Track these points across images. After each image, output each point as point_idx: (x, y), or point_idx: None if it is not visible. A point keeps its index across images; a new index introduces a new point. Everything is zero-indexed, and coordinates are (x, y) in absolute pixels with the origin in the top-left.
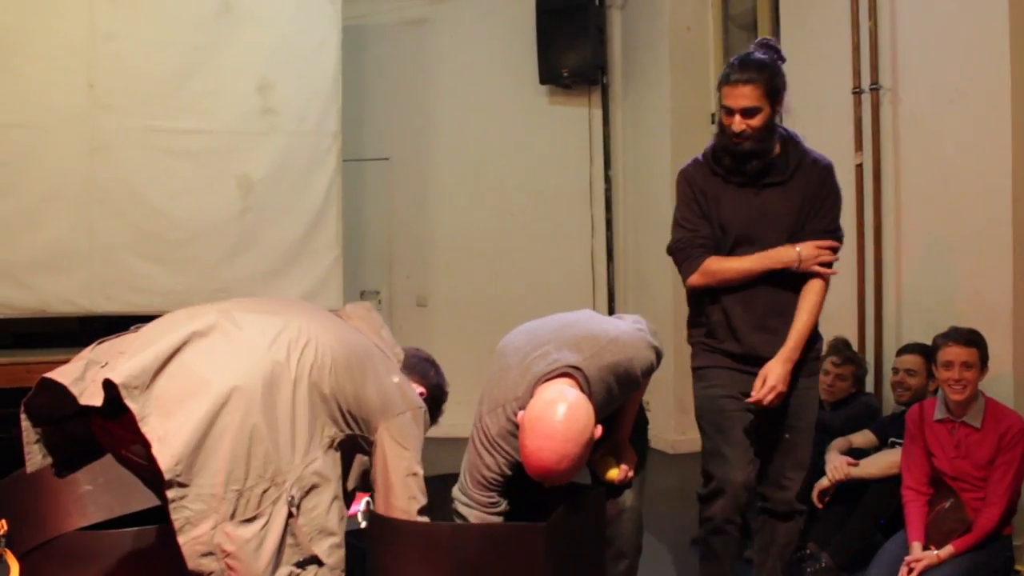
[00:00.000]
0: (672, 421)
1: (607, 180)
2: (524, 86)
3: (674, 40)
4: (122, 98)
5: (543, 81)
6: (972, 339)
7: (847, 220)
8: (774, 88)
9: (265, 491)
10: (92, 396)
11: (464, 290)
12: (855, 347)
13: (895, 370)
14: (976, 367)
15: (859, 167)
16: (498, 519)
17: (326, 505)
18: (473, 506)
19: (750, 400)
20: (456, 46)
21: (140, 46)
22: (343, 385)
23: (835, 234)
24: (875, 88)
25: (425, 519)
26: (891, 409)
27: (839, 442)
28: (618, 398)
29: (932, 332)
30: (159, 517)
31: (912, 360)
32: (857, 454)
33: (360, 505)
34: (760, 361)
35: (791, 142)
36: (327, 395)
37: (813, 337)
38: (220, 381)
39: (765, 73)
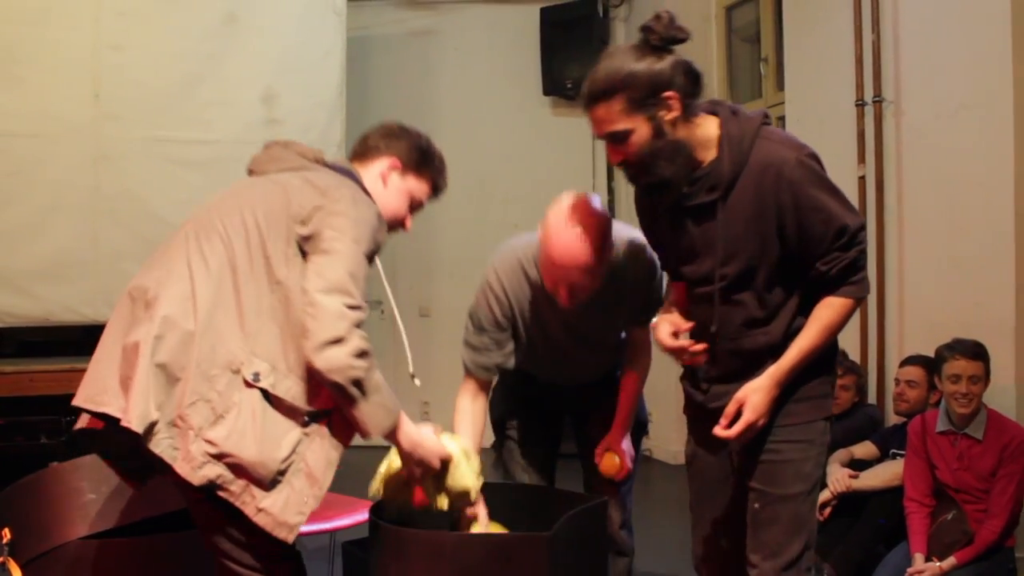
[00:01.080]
0: (674, 432)
1: (610, 191)
2: (528, 97)
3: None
4: (127, 108)
5: (547, 92)
6: (978, 352)
7: None
8: (641, 97)
9: (226, 384)
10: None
11: (467, 301)
12: (857, 359)
13: (897, 381)
14: (982, 380)
15: (862, 179)
16: (485, 376)
17: None
18: (465, 347)
19: (716, 434)
20: (460, 57)
21: (145, 57)
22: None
23: (844, 242)
24: (878, 100)
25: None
26: (892, 421)
27: (840, 453)
28: (626, 283)
29: (935, 344)
30: (163, 526)
31: (914, 372)
32: (858, 465)
33: None
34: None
35: (728, 143)
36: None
37: (817, 368)
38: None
39: (617, 83)
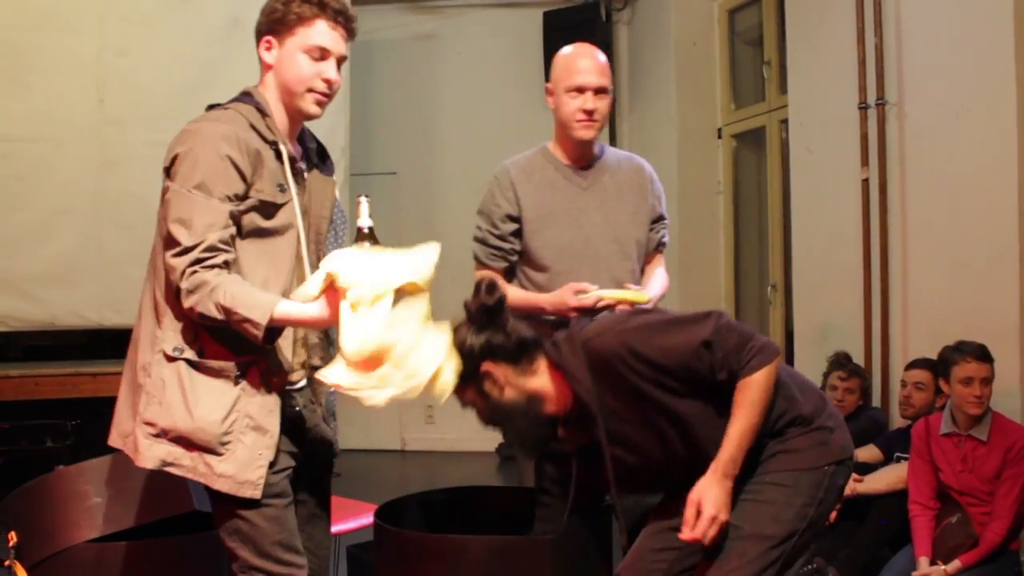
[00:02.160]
0: None
1: None
2: (531, 101)
3: (680, 56)
4: (132, 113)
5: None
6: (987, 353)
7: (853, 235)
8: (466, 374)
9: (156, 367)
10: None
11: None
12: (861, 363)
13: (903, 383)
14: (991, 382)
15: (865, 182)
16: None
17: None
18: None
19: (683, 539)
20: (463, 62)
21: (150, 61)
22: None
23: (711, 353)
24: (881, 103)
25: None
26: (897, 424)
27: None
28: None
29: (939, 347)
30: (168, 530)
31: (921, 374)
32: (863, 469)
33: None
34: None
35: (570, 379)
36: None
37: (803, 423)
38: None
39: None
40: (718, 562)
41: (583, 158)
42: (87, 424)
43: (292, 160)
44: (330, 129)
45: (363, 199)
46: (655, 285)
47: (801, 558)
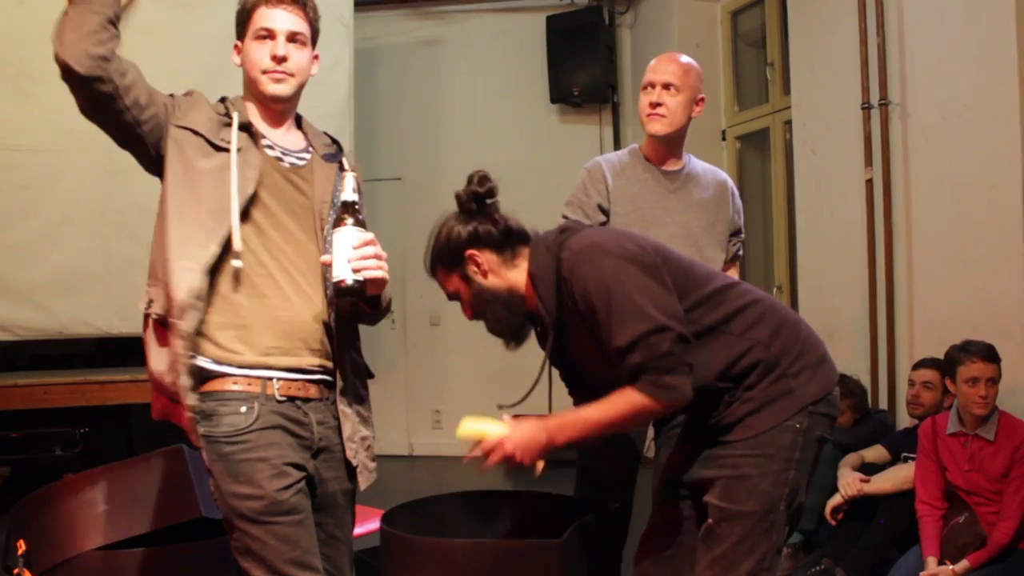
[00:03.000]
0: None
1: None
2: (535, 105)
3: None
4: None
5: (554, 100)
6: (993, 353)
7: (857, 235)
8: (450, 261)
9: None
10: None
11: None
12: (867, 363)
13: (911, 383)
14: (998, 382)
15: (869, 182)
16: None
17: None
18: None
19: (467, 458)
20: (467, 66)
21: (155, 70)
22: None
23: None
24: (884, 103)
25: None
26: (904, 424)
27: (851, 457)
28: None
29: (945, 346)
30: (176, 537)
31: (929, 374)
32: (870, 469)
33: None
34: None
35: (536, 283)
36: None
37: (765, 368)
38: None
39: (434, 255)
40: (707, 545)
41: (666, 158)
42: (96, 432)
43: (246, 127)
44: (334, 134)
45: (348, 174)
46: None
47: (798, 516)
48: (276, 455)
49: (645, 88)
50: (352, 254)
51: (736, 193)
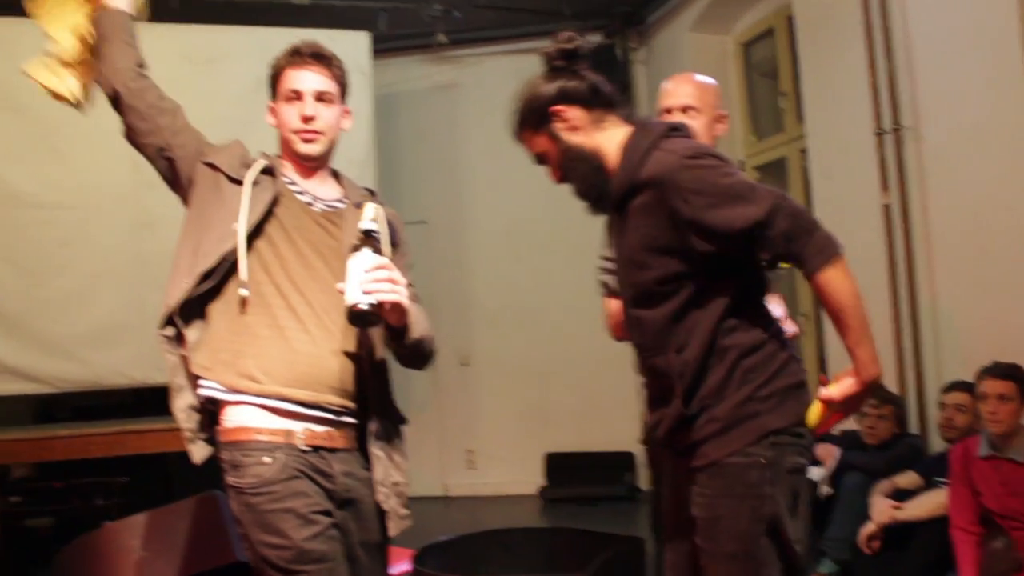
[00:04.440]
0: None
1: None
2: None
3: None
4: None
5: None
6: (1009, 372)
7: (878, 261)
8: (537, 119)
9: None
10: None
11: (506, 348)
12: (895, 389)
13: (942, 405)
14: (1015, 400)
15: (887, 207)
16: None
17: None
18: None
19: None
20: (486, 108)
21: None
22: None
23: (764, 232)
24: (897, 128)
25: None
26: (936, 449)
27: (883, 485)
28: None
29: (973, 369)
30: None
31: (960, 397)
32: (902, 496)
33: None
34: None
35: (624, 155)
36: None
37: (722, 387)
38: None
39: (519, 114)
40: None
41: None
42: (135, 480)
43: (270, 171)
44: (357, 181)
45: (368, 204)
46: None
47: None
48: (302, 504)
49: (662, 114)
50: (364, 278)
51: None
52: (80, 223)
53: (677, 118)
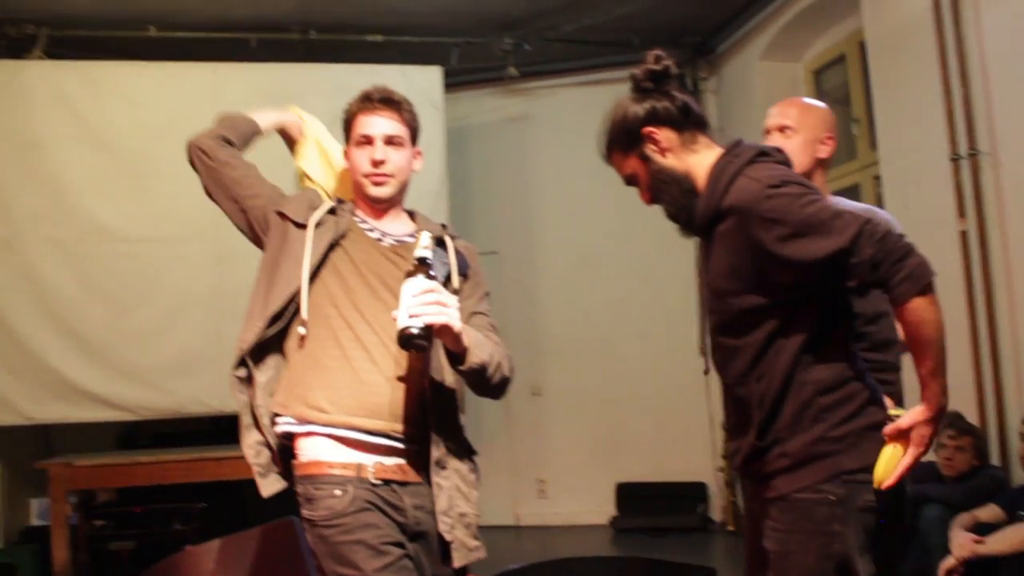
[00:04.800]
0: None
1: None
2: None
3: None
4: None
5: None
6: None
7: (955, 288)
8: (627, 141)
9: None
10: None
11: (577, 378)
12: (975, 420)
13: (1022, 436)
14: None
15: (963, 234)
16: None
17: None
18: None
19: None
20: (557, 139)
21: (259, 158)
22: None
23: (850, 260)
24: (973, 153)
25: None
26: (1019, 481)
27: (963, 518)
28: None
29: None
30: None
31: None
32: (984, 530)
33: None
34: None
35: (711, 180)
36: None
37: (796, 420)
38: None
39: (609, 136)
40: None
41: None
42: (213, 506)
43: (334, 211)
44: (430, 213)
45: (423, 232)
46: None
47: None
48: (373, 535)
49: (764, 135)
50: (412, 302)
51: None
52: (162, 256)
53: (773, 138)
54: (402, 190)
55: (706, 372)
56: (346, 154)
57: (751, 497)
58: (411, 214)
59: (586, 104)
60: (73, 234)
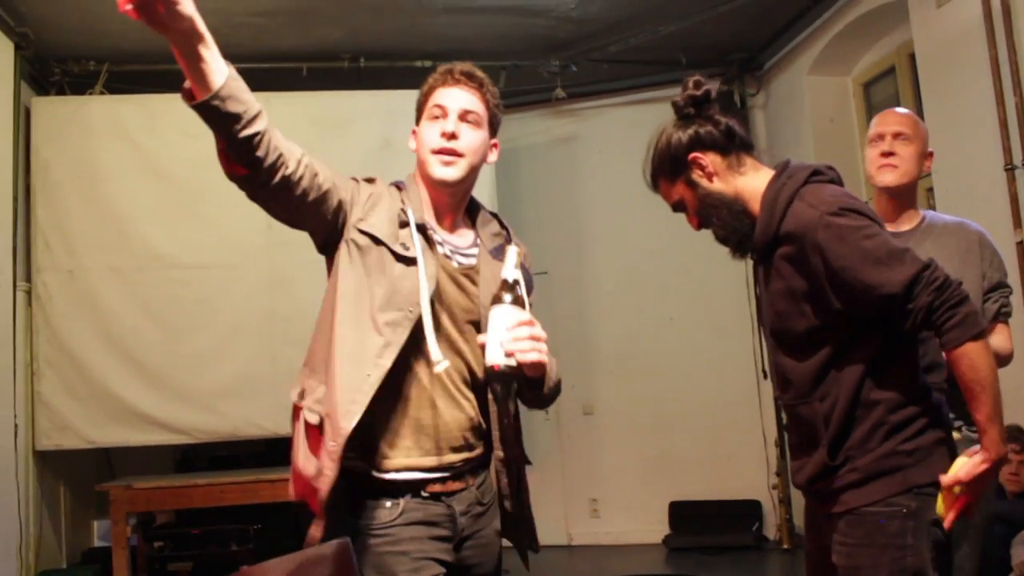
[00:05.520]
0: None
1: None
2: None
3: (818, 133)
4: (296, 234)
5: None
6: None
7: (1015, 299)
8: (672, 168)
9: None
10: None
11: (629, 396)
12: None
13: None
14: None
15: (1020, 244)
16: None
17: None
18: None
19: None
20: (605, 159)
21: None
22: None
23: (902, 304)
24: None
25: None
26: None
27: None
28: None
29: None
30: None
31: None
32: None
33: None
34: None
35: (765, 205)
36: None
37: (870, 435)
38: None
39: (654, 166)
40: None
41: (898, 215)
42: (268, 528)
43: (422, 228)
44: None
45: (511, 248)
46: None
47: None
48: (416, 549)
49: (873, 141)
50: (505, 336)
51: (990, 245)
52: (217, 281)
53: (888, 143)
54: (471, 176)
55: (766, 376)
56: (414, 134)
57: (815, 514)
58: (471, 205)
59: (634, 123)
60: (132, 262)
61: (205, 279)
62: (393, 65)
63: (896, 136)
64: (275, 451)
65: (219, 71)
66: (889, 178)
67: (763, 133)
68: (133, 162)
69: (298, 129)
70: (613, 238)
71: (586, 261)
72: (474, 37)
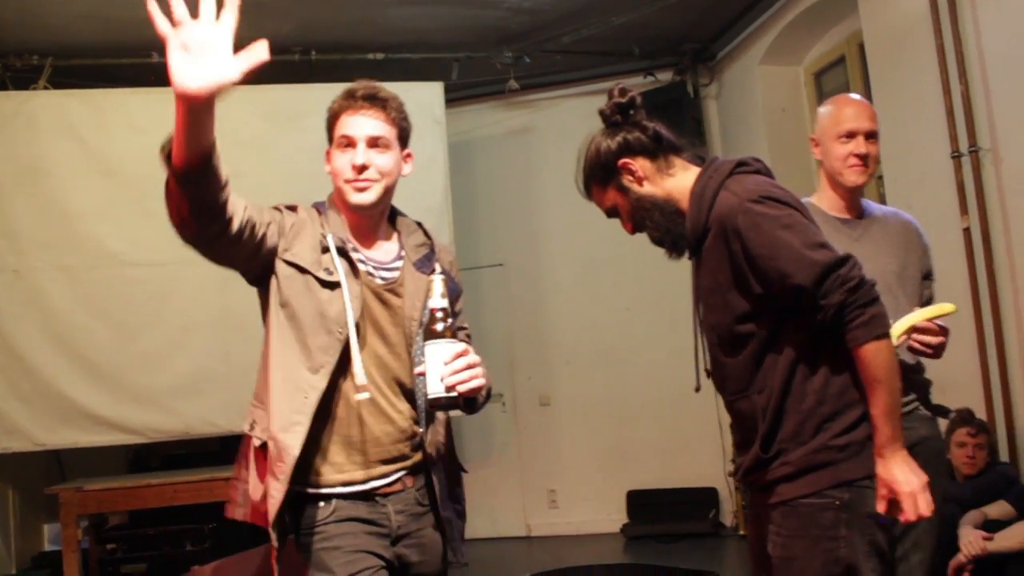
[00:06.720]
0: None
1: None
2: None
3: (770, 123)
4: None
5: None
6: None
7: (960, 285)
8: (603, 174)
9: None
10: None
11: (586, 387)
12: (983, 417)
13: None
14: None
15: (966, 231)
16: None
17: None
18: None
19: (904, 520)
20: (560, 150)
21: (262, 181)
22: None
23: (815, 292)
24: (974, 150)
25: None
26: None
27: (973, 515)
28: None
29: None
30: None
31: None
32: (993, 527)
33: None
34: None
35: (693, 199)
36: None
37: (800, 430)
38: None
39: (585, 174)
40: None
41: (852, 208)
42: (223, 527)
43: (343, 252)
44: (435, 227)
45: (436, 277)
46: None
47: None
48: (349, 543)
49: (843, 137)
50: (444, 371)
51: (923, 233)
52: (169, 278)
53: (864, 144)
54: (386, 195)
55: (697, 389)
56: (328, 156)
57: (755, 504)
58: (392, 215)
59: (588, 114)
60: (80, 260)
61: (156, 276)
62: (345, 58)
63: (868, 136)
64: (230, 449)
65: (212, 129)
66: (861, 179)
67: (716, 123)
68: (80, 158)
69: (249, 124)
70: (569, 229)
71: (542, 252)
72: (426, 28)
